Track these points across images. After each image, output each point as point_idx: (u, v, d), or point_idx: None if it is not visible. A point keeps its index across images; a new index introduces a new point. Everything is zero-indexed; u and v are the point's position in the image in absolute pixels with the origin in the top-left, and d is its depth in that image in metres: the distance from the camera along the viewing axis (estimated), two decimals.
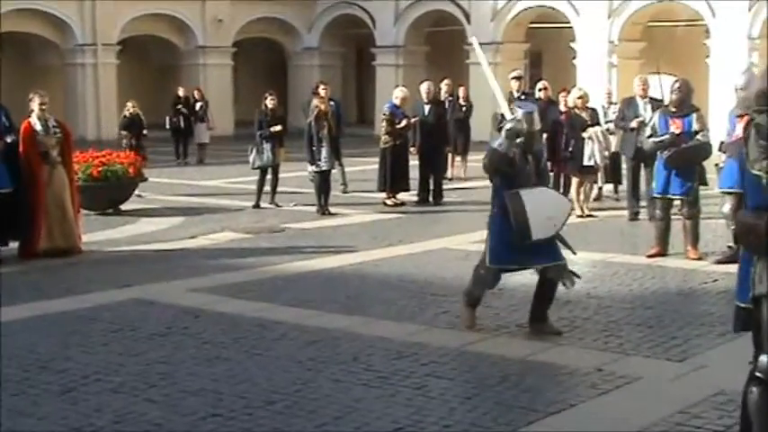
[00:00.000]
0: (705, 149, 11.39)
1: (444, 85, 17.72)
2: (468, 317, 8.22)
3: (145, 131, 18.97)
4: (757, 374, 4.87)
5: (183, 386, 6.72)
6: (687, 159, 11.29)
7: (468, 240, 12.34)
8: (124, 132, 18.16)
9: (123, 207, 15.83)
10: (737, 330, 5.24)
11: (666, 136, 11.25)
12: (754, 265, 4.80)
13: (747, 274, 4.86)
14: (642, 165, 13.89)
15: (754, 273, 4.80)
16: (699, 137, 11.23)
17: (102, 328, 8.39)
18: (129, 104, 18.61)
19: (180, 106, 25.33)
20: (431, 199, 16.51)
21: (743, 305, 4.97)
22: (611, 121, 16.51)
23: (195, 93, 26.44)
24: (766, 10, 26.72)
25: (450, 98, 18.89)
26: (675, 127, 11.23)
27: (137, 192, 16.53)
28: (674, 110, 11.40)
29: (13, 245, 11.75)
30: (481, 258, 8.21)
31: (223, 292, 9.84)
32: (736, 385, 6.51)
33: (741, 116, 10.70)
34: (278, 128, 16.21)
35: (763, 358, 4.83)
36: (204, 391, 6.59)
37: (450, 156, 19.45)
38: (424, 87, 17.18)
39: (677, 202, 11.49)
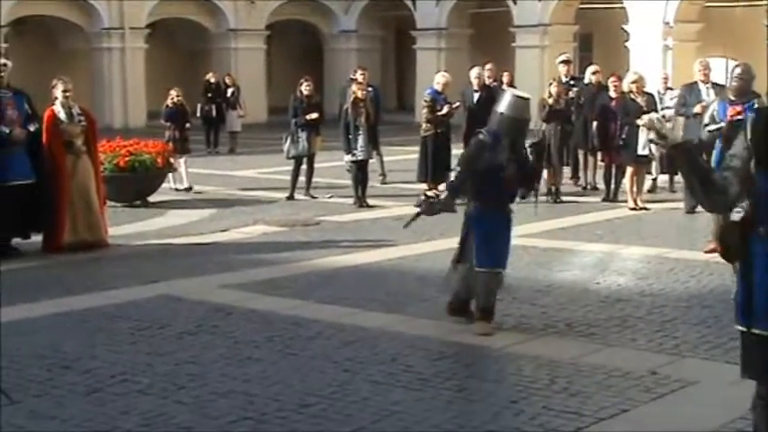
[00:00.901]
0: None
1: (487, 70, 17.63)
2: (487, 328, 8.06)
3: (188, 124, 18.69)
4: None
5: (214, 387, 6.73)
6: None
7: (515, 234, 12.28)
8: (168, 123, 17.86)
9: (151, 199, 15.90)
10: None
11: (722, 124, 11.15)
12: None
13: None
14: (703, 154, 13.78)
15: None
16: None
17: (128, 326, 8.43)
18: (173, 93, 18.22)
19: (211, 94, 25.42)
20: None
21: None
22: (667, 108, 16.40)
23: (226, 78, 26.49)
24: None
25: (495, 83, 18.82)
26: (734, 113, 11.13)
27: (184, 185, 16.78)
28: (733, 97, 11.32)
29: (37, 238, 11.83)
30: (468, 266, 8.24)
31: (255, 288, 9.86)
32: None
33: None
34: (314, 115, 16.21)
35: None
36: (235, 393, 6.61)
37: None
38: (474, 73, 17.05)
39: None
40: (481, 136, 8.23)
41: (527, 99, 8.41)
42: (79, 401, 6.51)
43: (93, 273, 10.87)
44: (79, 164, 11.91)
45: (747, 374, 4.78)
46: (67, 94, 11.91)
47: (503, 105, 8.31)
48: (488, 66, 17.82)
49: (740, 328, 4.74)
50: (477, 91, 16.70)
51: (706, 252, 11.32)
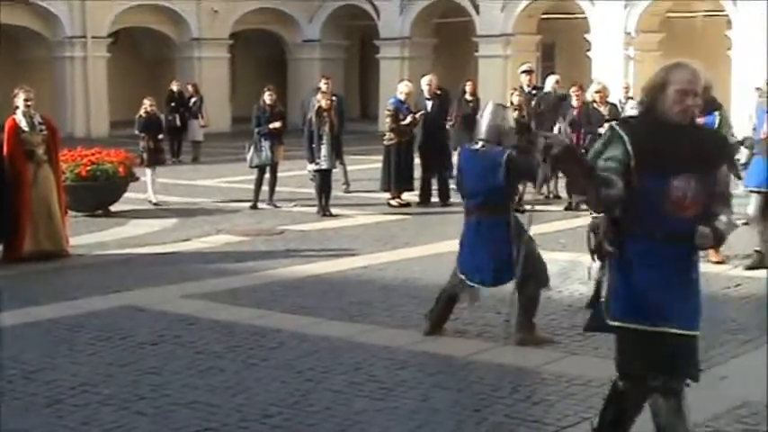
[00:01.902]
0: (732, 149, 11.38)
1: (468, 86, 17.82)
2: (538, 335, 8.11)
3: (161, 135, 18.46)
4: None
5: (176, 398, 6.69)
6: None
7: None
8: (141, 134, 17.55)
9: (113, 208, 15.79)
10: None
11: None
12: None
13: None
14: None
15: None
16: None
17: (90, 337, 8.37)
18: (147, 102, 17.95)
19: (174, 103, 25.31)
20: (435, 199, 16.45)
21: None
22: (630, 116, 16.51)
23: (189, 87, 26.42)
24: None
25: (473, 98, 18.89)
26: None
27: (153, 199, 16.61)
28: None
29: None
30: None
31: (218, 298, 9.82)
32: (760, 396, 6.53)
33: None
34: (277, 124, 16.19)
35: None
36: (197, 404, 6.56)
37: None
38: (425, 81, 17.08)
39: None
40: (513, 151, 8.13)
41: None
42: (39, 413, 6.44)
43: (54, 283, 10.77)
44: (40, 173, 11.82)
45: (626, 370, 4.96)
46: (29, 103, 11.83)
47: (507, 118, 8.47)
48: (432, 75, 17.86)
49: (619, 324, 4.87)
50: (429, 99, 16.73)
51: None
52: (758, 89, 16.66)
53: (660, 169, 4.66)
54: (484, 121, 8.34)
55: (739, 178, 11.70)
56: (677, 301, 4.80)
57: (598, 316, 5.01)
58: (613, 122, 5.00)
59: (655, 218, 4.70)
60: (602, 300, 4.98)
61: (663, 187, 4.67)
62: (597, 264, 5.00)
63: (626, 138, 4.69)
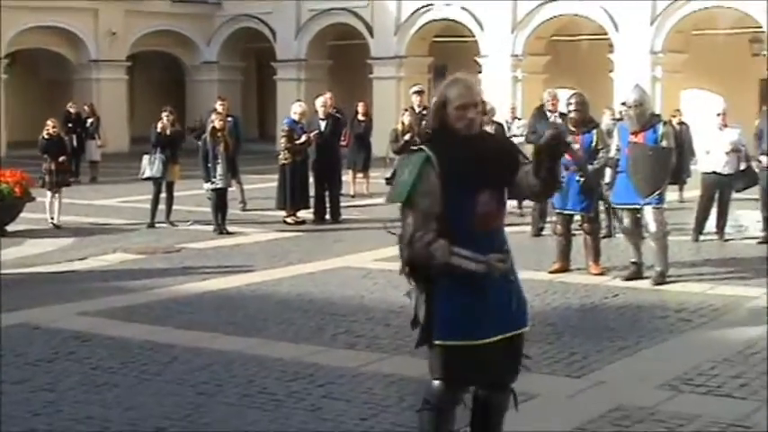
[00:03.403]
0: (610, 166, 11.68)
1: (361, 107, 17.88)
2: None
3: (63, 157, 17.54)
4: (426, 398, 5.00)
5: (70, 413, 6.61)
6: (598, 179, 11.62)
7: (369, 258, 12.44)
8: (44, 155, 17.09)
9: (9, 228, 15.50)
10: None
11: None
12: None
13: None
14: None
15: None
16: (601, 154, 11.50)
17: None
18: (50, 124, 17.45)
19: (71, 124, 24.97)
20: (328, 217, 16.52)
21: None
22: (515, 136, 16.82)
23: (86, 108, 26.11)
24: (670, 24, 27.49)
25: (365, 118, 18.96)
26: (574, 143, 11.48)
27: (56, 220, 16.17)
28: (572, 129, 11.58)
29: None
30: None
31: (113, 315, 9.72)
32: (633, 401, 6.74)
33: (636, 132, 11.01)
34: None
35: (434, 383, 4.93)
36: (91, 419, 6.49)
37: (351, 172, 19.56)
38: (319, 101, 17.14)
39: (579, 218, 11.74)
40: None
41: None
42: None
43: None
44: None
45: (456, 384, 4.94)
46: None
47: None
48: (329, 94, 17.94)
49: (441, 343, 4.82)
50: (323, 119, 16.80)
51: (550, 272, 11.66)
52: (623, 104, 17.20)
53: (465, 185, 4.68)
54: None
55: (601, 198, 12.02)
56: (500, 308, 4.83)
57: (423, 335, 4.92)
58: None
59: (466, 234, 4.69)
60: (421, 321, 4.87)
61: (469, 203, 4.70)
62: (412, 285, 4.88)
63: (434, 158, 4.68)
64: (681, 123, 18.81)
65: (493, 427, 5.16)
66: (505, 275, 4.85)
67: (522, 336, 5.04)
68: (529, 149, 15.89)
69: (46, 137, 17.34)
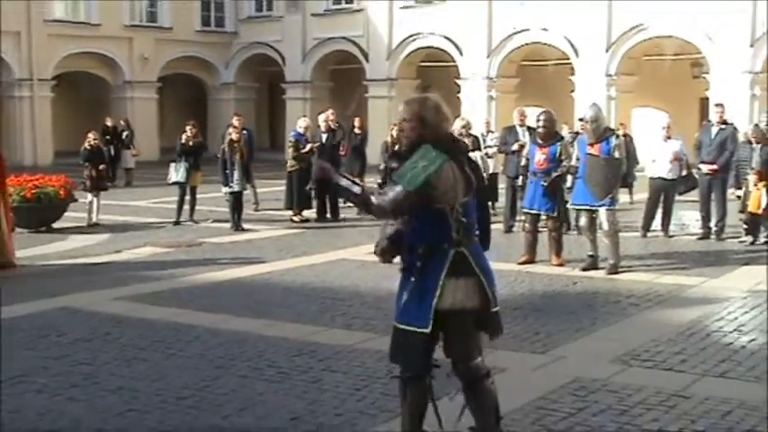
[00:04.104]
0: (571, 173, 11.69)
1: (331, 115, 17.75)
2: None
3: (102, 165, 17.32)
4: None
5: (104, 385, 6.58)
6: (559, 183, 11.62)
7: (364, 252, 12.38)
8: (85, 163, 16.99)
9: (55, 225, 15.47)
10: None
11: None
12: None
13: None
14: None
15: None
16: (564, 164, 11.49)
17: (30, 335, 8.16)
18: (91, 136, 17.29)
19: (108, 136, 24.95)
20: (329, 216, 16.50)
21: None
22: (489, 146, 16.80)
23: (122, 122, 26.08)
24: (623, 50, 27.52)
25: (360, 131, 18.85)
26: (541, 153, 11.51)
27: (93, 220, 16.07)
28: (541, 140, 11.65)
29: None
30: None
31: (144, 300, 9.69)
32: (589, 374, 6.74)
33: (592, 144, 11.02)
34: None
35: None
36: (122, 390, 6.47)
37: None
38: (321, 117, 17.17)
39: (544, 217, 11.73)
40: None
41: None
42: None
43: (2, 289, 10.48)
44: None
45: (412, 368, 4.88)
46: None
47: None
48: (330, 110, 17.89)
49: (410, 328, 4.77)
50: (324, 132, 16.79)
51: (519, 263, 11.65)
52: (581, 119, 17.23)
53: None
54: None
55: (565, 201, 12.02)
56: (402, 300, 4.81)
57: None
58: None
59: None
60: None
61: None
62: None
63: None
64: (625, 135, 18.71)
65: (476, 398, 5.01)
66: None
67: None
68: (501, 158, 15.95)
69: (87, 147, 17.27)
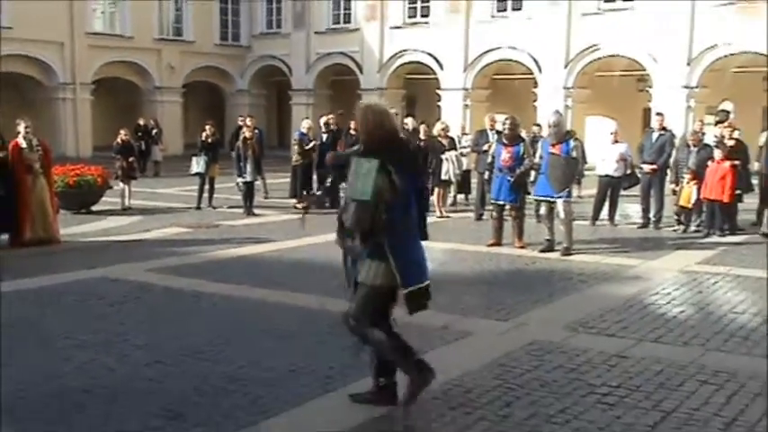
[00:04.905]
0: (533, 169, 11.75)
1: (332, 117, 17.71)
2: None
3: (132, 157, 17.16)
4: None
5: (134, 342, 6.62)
6: (524, 178, 11.67)
7: None
8: (117, 156, 16.96)
9: (94, 208, 15.45)
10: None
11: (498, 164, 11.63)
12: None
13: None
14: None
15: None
16: (525, 162, 11.53)
17: (73, 299, 8.21)
18: (122, 132, 17.17)
19: (140, 133, 24.89)
20: (328, 204, 16.45)
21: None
22: (464, 147, 16.83)
23: (152, 121, 25.98)
24: (579, 67, 27.52)
25: (356, 132, 18.82)
26: (506, 152, 11.54)
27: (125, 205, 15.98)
28: (506, 140, 11.68)
29: (5, 236, 11.40)
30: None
31: (169, 271, 9.73)
32: (545, 337, 6.81)
33: (554, 145, 11.08)
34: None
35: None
36: (150, 345, 6.52)
37: None
38: (322, 120, 17.20)
39: (509, 207, 11.78)
40: None
41: None
42: (32, 352, 6.31)
43: (48, 261, 10.49)
44: (37, 182, 11.50)
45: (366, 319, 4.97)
46: (27, 130, 11.50)
47: None
48: (331, 114, 17.89)
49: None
50: (324, 132, 16.78)
51: (487, 246, 11.71)
52: (536, 125, 17.32)
53: None
54: None
55: (527, 193, 12.06)
56: None
57: None
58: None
59: None
60: None
61: None
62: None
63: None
64: (575, 139, 18.78)
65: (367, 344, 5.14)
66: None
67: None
68: (473, 157, 15.93)
69: (119, 142, 17.26)
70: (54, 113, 30.86)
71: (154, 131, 25.37)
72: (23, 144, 11.43)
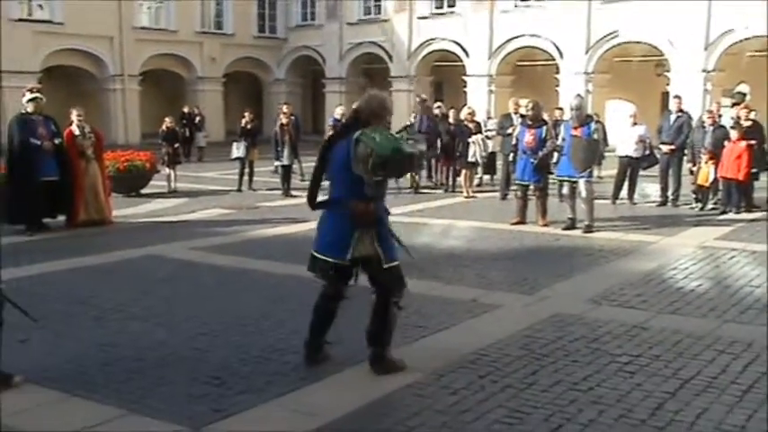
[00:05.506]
0: (556, 151, 11.62)
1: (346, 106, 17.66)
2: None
3: (177, 144, 17.17)
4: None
5: (181, 315, 6.69)
6: (547, 159, 11.56)
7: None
8: (163, 142, 17.07)
9: (143, 191, 15.60)
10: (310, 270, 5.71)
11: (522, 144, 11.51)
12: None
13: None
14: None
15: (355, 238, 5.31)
16: (548, 144, 11.43)
17: (124, 276, 8.31)
18: (167, 120, 17.20)
19: (185, 120, 25.03)
20: None
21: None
22: (489, 130, 16.71)
23: (195, 109, 26.12)
24: (599, 53, 27.15)
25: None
26: (529, 134, 11.44)
27: (172, 188, 15.99)
28: (530, 123, 11.61)
29: (61, 218, 11.55)
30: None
31: (213, 249, 9.79)
32: (568, 310, 6.76)
33: (576, 128, 10.96)
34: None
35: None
36: (196, 318, 6.58)
37: None
38: (354, 106, 17.04)
39: (532, 187, 11.68)
40: None
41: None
42: (88, 325, 6.41)
43: (100, 241, 10.62)
44: (90, 167, 11.62)
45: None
46: (80, 118, 11.62)
47: None
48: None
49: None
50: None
51: (512, 224, 11.64)
52: (558, 108, 17.12)
53: None
54: None
55: (550, 173, 11.94)
56: None
57: None
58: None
59: None
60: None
61: None
62: None
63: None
64: (597, 122, 18.55)
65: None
66: None
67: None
68: (499, 140, 15.87)
69: (164, 129, 17.39)
70: (105, 103, 31.15)
71: (197, 119, 25.51)
72: (77, 132, 11.55)
